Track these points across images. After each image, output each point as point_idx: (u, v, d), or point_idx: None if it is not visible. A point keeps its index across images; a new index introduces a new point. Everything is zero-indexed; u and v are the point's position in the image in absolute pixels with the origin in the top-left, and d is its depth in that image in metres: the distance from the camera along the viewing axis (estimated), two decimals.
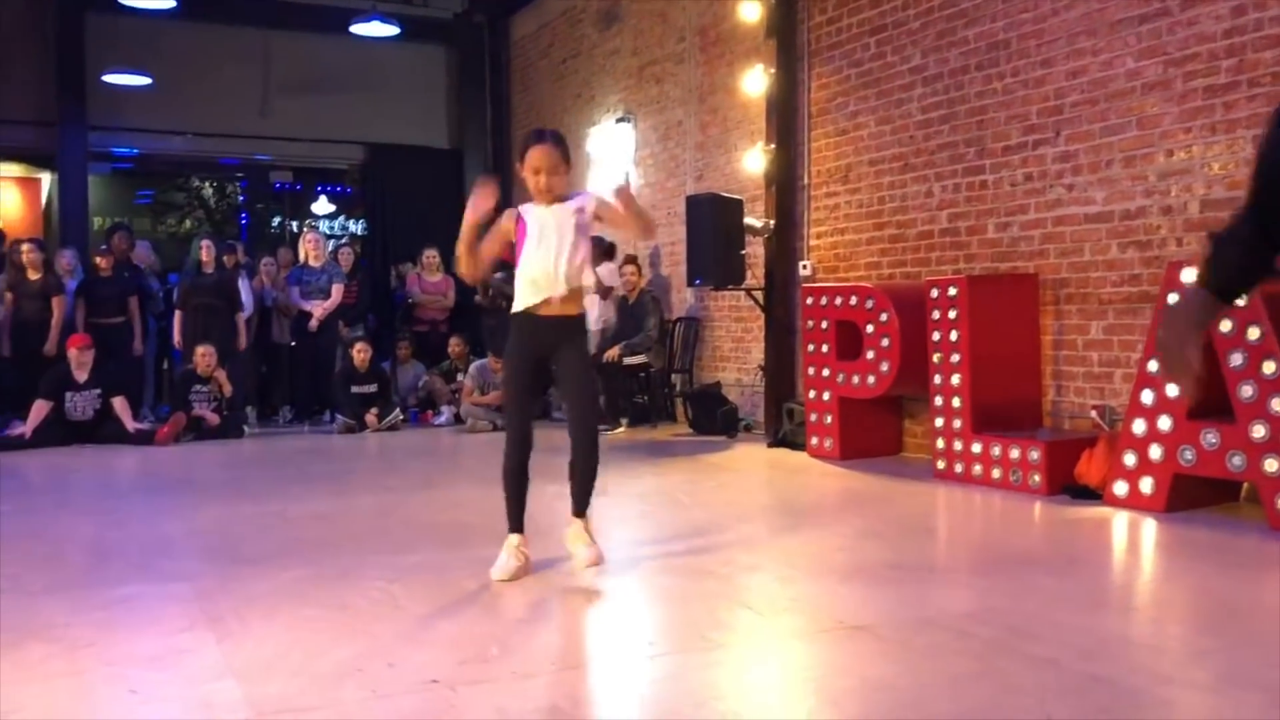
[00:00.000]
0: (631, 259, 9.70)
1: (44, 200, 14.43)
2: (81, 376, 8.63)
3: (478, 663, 3.08)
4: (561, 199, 4.06)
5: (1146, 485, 5.22)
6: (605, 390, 9.34)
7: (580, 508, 4.09)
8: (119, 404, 8.67)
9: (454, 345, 10.37)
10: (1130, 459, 5.30)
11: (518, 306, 4.08)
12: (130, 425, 8.65)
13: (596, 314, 9.89)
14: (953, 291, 6.23)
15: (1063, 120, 6.19)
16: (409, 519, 5.41)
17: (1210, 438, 4.97)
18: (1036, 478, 5.74)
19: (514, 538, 4.11)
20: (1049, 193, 6.29)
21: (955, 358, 6.24)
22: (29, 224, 13.79)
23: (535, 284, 4.02)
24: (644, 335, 9.28)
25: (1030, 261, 6.40)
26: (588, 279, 4.11)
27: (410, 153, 13.42)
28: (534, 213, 4.07)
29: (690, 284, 8.66)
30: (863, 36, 7.63)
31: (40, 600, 3.84)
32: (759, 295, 8.38)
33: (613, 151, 10.76)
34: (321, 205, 17.34)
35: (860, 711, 2.69)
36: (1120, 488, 5.34)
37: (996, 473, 5.97)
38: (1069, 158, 6.16)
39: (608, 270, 9.90)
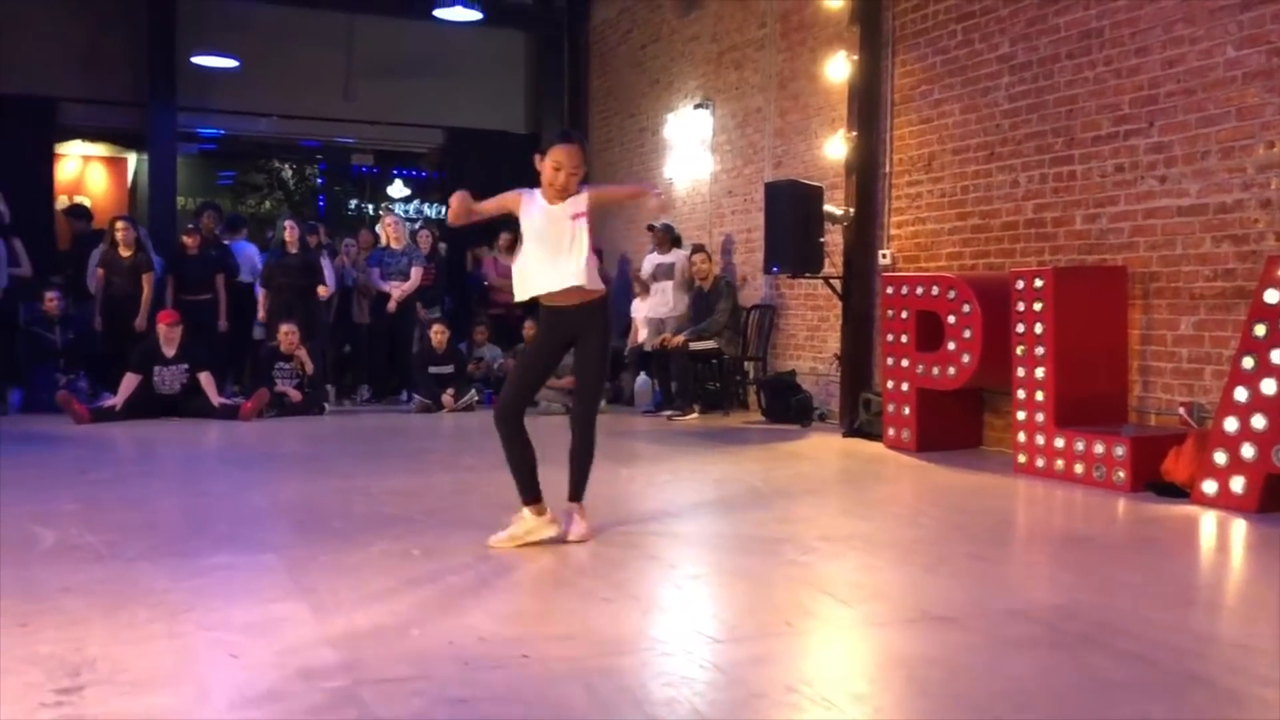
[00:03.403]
0: (699, 248, 9.70)
1: (130, 179, 14.81)
2: (169, 351, 8.85)
3: (565, 640, 3.12)
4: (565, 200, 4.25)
5: (1238, 484, 5.11)
6: (676, 376, 9.37)
7: (577, 492, 4.38)
8: (205, 379, 8.88)
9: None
10: (1221, 457, 5.19)
11: (521, 295, 4.34)
12: (215, 399, 8.86)
13: (658, 301, 9.92)
14: (1039, 283, 6.14)
15: (1157, 110, 6.05)
16: (488, 497, 5.47)
17: None
18: (1121, 474, 5.64)
19: (524, 511, 4.32)
20: (1140, 184, 6.16)
21: (1039, 350, 6.15)
22: (115, 202, 14.18)
23: (535, 277, 4.26)
24: (711, 320, 9.26)
25: (1119, 254, 6.27)
26: (591, 280, 4.24)
27: (488, 137, 13.52)
28: (539, 204, 4.26)
29: (767, 271, 8.63)
30: (949, 24, 7.52)
31: (139, 566, 3.96)
32: (836, 284, 8.32)
33: (690, 137, 10.76)
34: (397, 188, 17.54)
35: (952, 701, 2.68)
36: (1209, 486, 5.23)
37: (1079, 468, 5.88)
38: (1162, 149, 6.03)
39: (678, 257, 9.92)
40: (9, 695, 2.64)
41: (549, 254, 4.22)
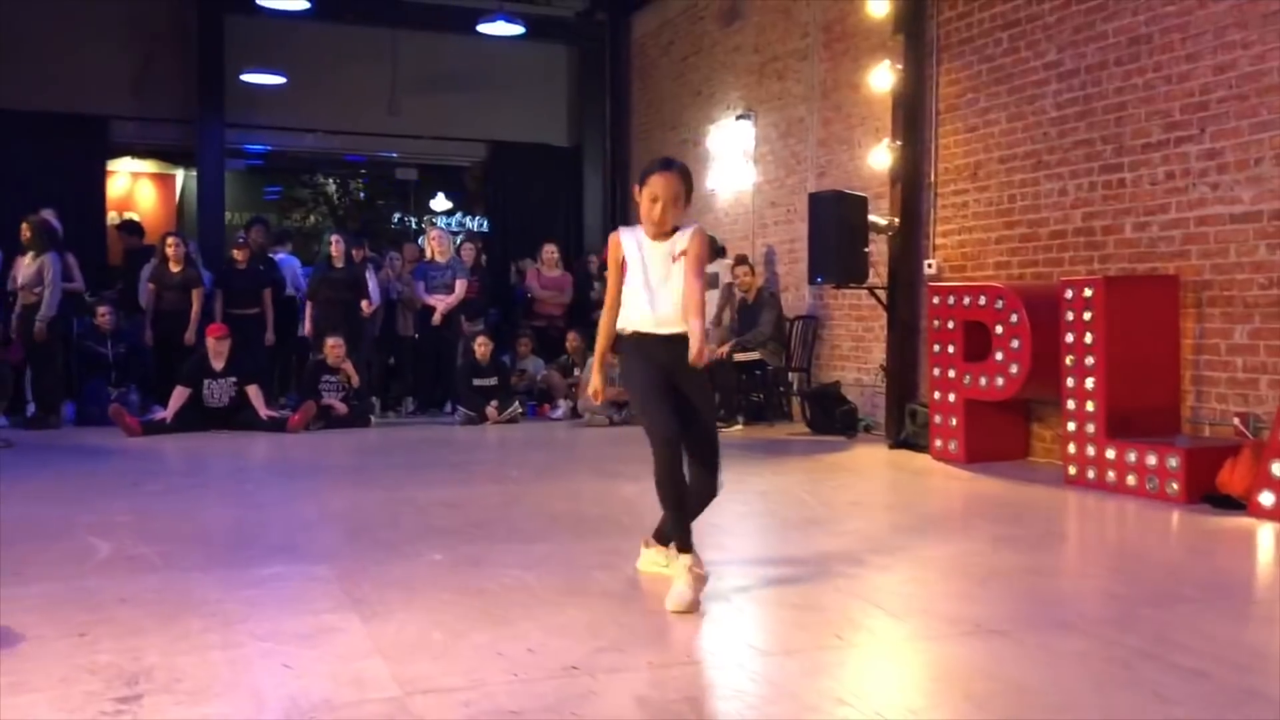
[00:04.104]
0: (742, 259, 9.66)
1: (178, 195, 15.05)
2: (218, 365, 8.96)
3: (614, 651, 3.12)
4: (667, 233, 3.84)
5: None
6: (720, 387, 9.33)
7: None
8: (253, 391, 8.98)
9: (571, 340, 10.48)
10: (1278, 469, 5.10)
11: (625, 328, 3.91)
12: (263, 412, 8.95)
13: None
14: (1089, 292, 6.07)
15: (1208, 117, 5.97)
16: (534, 509, 5.49)
17: None
18: (1174, 485, 5.55)
19: (685, 558, 3.67)
20: (1191, 191, 6.08)
21: (1090, 360, 6.07)
22: (163, 218, 14.42)
23: (637, 318, 3.85)
24: (756, 331, 9.23)
25: (1170, 263, 6.19)
26: (690, 326, 3.73)
27: (531, 150, 13.62)
28: (633, 240, 3.89)
29: (811, 282, 8.60)
30: (995, 31, 7.47)
31: (193, 576, 4.01)
32: (881, 294, 8.27)
33: (732, 148, 10.76)
34: (440, 202, 17.68)
35: (1008, 714, 2.64)
36: (1266, 498, 5.14)
37: (1131, 479, 5.80)
38: (1214, 155, 5.95)
39: (720, 268, 9.90)
40: (70, 704, 2.68)
41: (649, 294, 3.81)
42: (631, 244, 3.91)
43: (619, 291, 3.94)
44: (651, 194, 3.80)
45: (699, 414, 3.83)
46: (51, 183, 11.15)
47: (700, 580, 3.64)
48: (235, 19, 12.18)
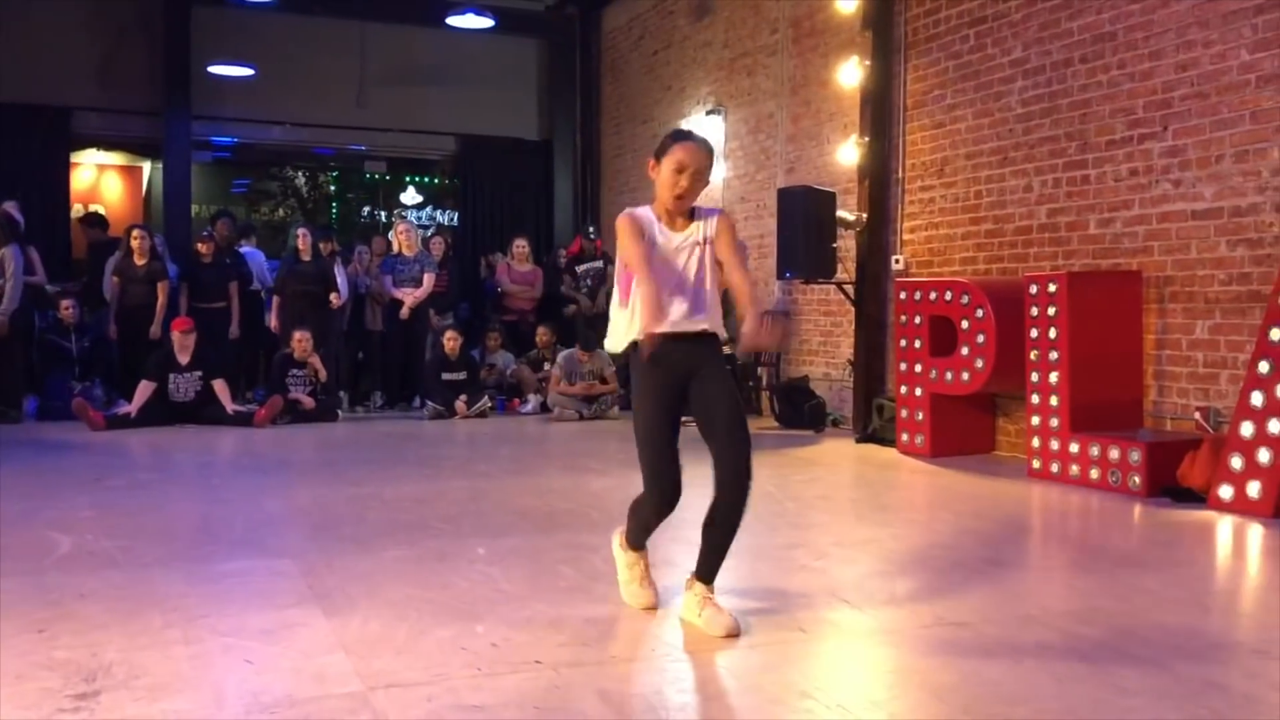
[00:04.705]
0: None
1: (144, 187, 14.88)
2: (184, 359, 8.88)
3: (579, 646, 3.12)
4: (689, 215, 3.40)
5: (1253, 489, 5.09)
6: None
7: (710, 571, 3.38)
8: (219, 386, 8.91)
9: (541, 335, 10.46)
10: (1237, 462, 5.17)
11: (631, 335, 3.31)
12: (230, 407, 8.88)
13: None
14: (1053, 288, 6.12)
15: (1171, 114, 6.03)
16: (501, 503, 5.48)
17: None
18: (1136, 479, 5.62)
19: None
20: (1154, 188, 6.14)
21: (1054, 355, 6.13)
22: (130, 211, 14.24)
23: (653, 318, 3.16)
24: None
25: (1133, 258, 6.25)
26: (717, 324, 3.39)
27: (501, 144, 13.58)
28: (652, 229, 3.37)
29: (781, 277, 8.62)
30: (962, 29, 7.52)
31: (155, 572, 3.98)
32: (850, 289, 8.31)
33: None
34: (410, 195, 17.58)
35: (967, 707, 2.67)
36: (1225, 491, 5.21)
37: (1094, 473, 5.86)
38: (1176, 152, 6.01)
39: None
40: (26, 700, 2.66)
41: (670, 295, 3.30)
42: (652, 228, 3.36)
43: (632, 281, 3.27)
44: (677, 163, 3.29)
45: (724, 418, 3.31)
46: (13, 175, 11.00)
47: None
48: (202, 10, 12.06)
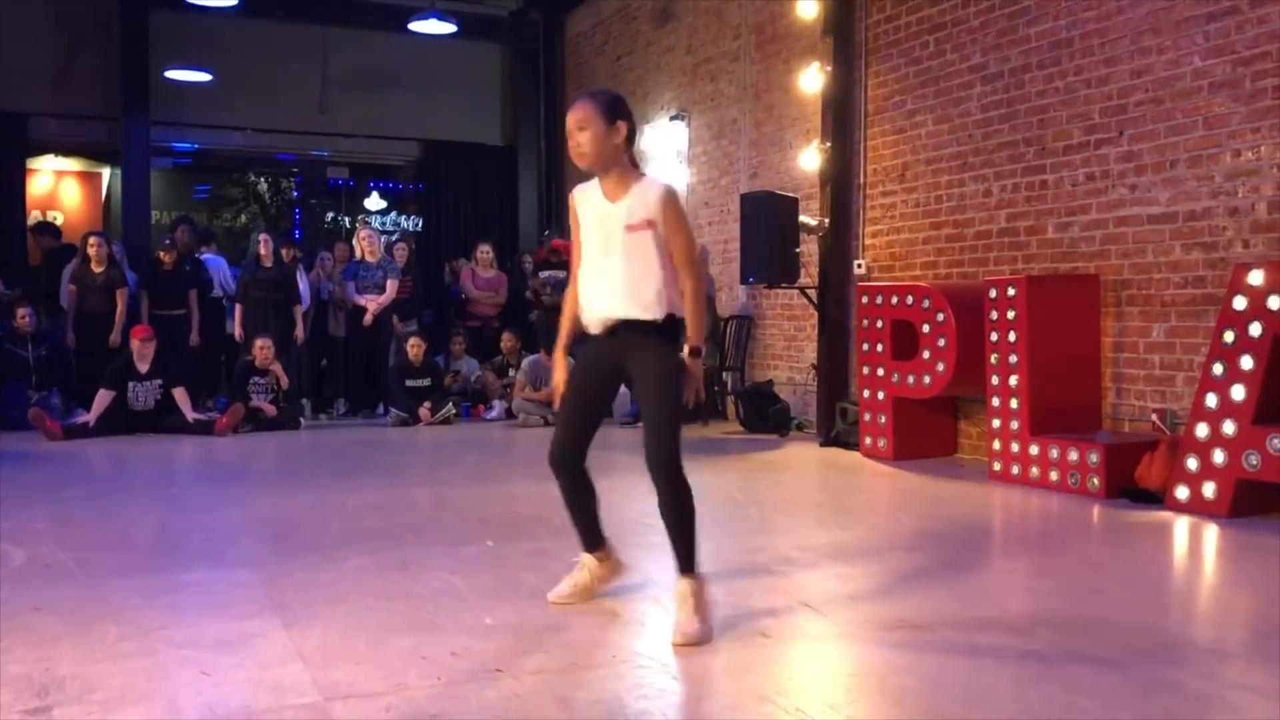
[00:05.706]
0: None
1: (104, 194, 14.71)
2: (143, 367, 8.79)
3: (540, 653, 3.11)
4: (623, 179, 3.33)
5: (1209, 490, 5.15)
6: None
7: (681, 561, 3.33)
8: (179, 394, 8.82)
9: (506, 340, 10.44)
10: (1192, 463, 5.23)
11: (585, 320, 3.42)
12: (190, 415, 8.79)
13: None
14: (1012, 292, 6.18)
15: (1126, 120, 6.11)
16: (465, 511, 5.46)
17: (1277, 442, 4.88)
18: (1095, 481, 5.68)
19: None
20: (1111, 193, 6.22)
21: (1014, 359, 6.18)
22: (89, 217, 14.07)
23: (590, 307, 3.35)
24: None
25: (1091, 262, 6.33)
26: (657, 311, 3.28)
27: (465, 149, 13.55)
28: (588, 201, 3.40)
29: (744, 282, 8.65)
30: (922, 34, 7.58)
31: (110, 583, 3.93)
32: (812, 294, 8.35)
33: (666, 149, 10.79)
34: (374, 201, 17.49)
35: (924, 710, 2.68)
36: (1182, 492, 5.27)
37: (1054, 475, 5.91)
38: (1132, 157, 6.09)
39: None
40: None
41: (605, 276, 3.32)
42: (587, 204, 3.38)
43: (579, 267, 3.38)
44: (568, 129, 3.32)
45: (647, 414, 3.29)
46: None
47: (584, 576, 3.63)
48: (160, 14, 11.95)
